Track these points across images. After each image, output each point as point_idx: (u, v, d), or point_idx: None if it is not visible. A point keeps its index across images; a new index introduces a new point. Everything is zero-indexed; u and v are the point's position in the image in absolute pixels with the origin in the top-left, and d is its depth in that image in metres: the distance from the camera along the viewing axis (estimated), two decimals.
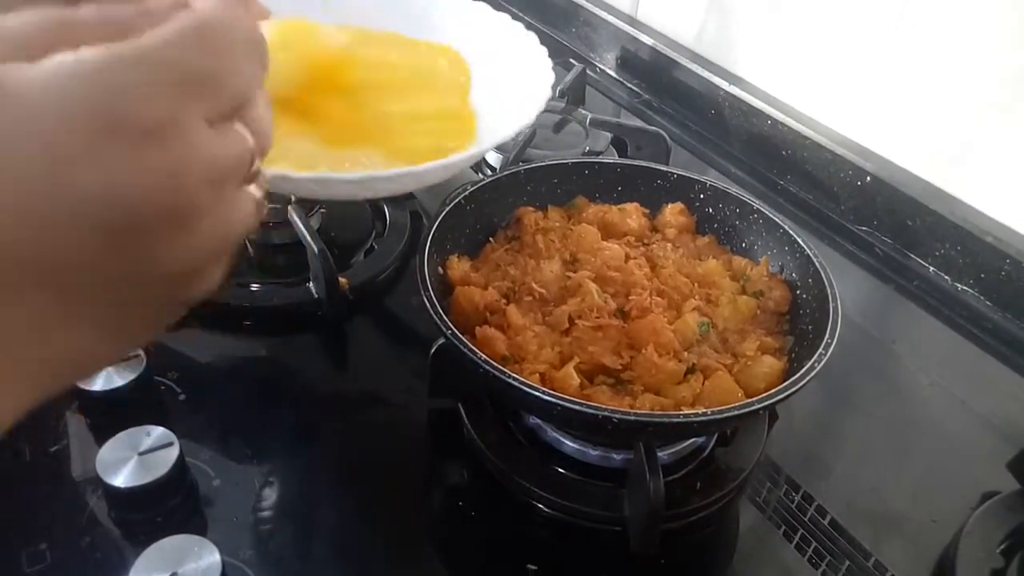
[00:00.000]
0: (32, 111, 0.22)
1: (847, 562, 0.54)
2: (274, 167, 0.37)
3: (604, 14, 1.13)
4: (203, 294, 0.27)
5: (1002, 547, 0.54)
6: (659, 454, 0.54)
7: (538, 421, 0.57)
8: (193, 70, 0.24)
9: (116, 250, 0.23)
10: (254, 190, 0.28)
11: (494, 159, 0.87)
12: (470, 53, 0.61)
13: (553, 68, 0.66)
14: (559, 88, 0.93)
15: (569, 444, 0.56)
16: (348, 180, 0.52)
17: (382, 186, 0.55)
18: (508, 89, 0.59)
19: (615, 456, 0.55)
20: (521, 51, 0.58)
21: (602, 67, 1.16)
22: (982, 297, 0.77)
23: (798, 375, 0.49)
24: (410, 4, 0.62)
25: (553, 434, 0.56)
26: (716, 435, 0.58)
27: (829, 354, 0.51)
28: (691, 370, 0.53)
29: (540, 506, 0.54)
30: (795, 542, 0.55)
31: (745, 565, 0.56)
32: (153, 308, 0.27)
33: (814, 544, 0.55)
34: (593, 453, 0.56)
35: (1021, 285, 0.74)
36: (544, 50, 0.58)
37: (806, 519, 0.57)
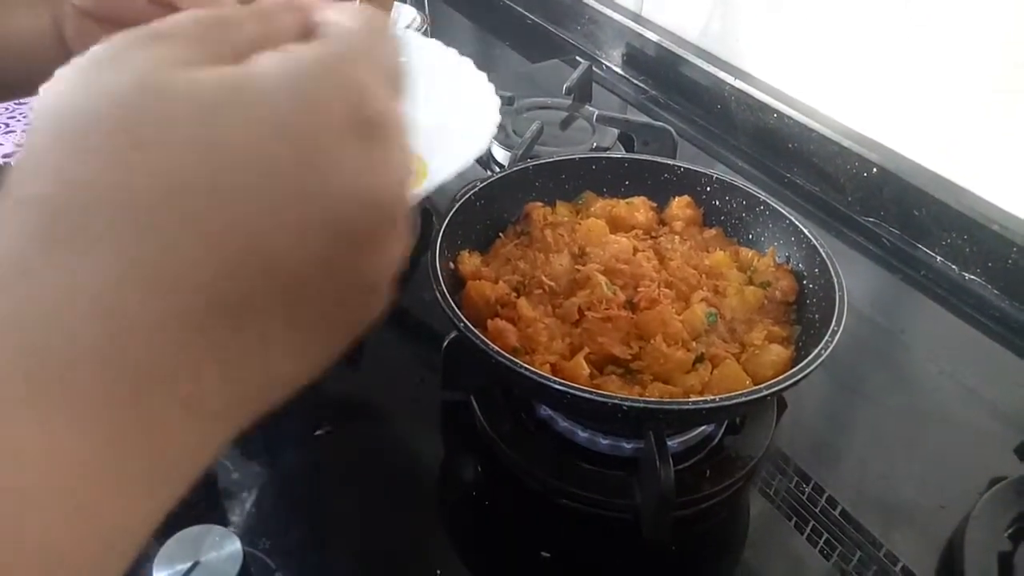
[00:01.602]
0: (272, 106, 0.21)
1: (858, 552, 0.54)
2: None
3: (609, 11, 1.14)
4: (375, 316, 0.25)
5: (1010, 531, 0.54)
6: (669, 442, 0.54)
7: (550, 411, 0.58)
8: (391, 63, 0.24)
9: (339, 260, 0.22)
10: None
11: (502, 156, 0.88)
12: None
13: (496, 93, 0.59)
14: (566, 86, 0.94)
15: (580, 434, 0.57)
16: None
17: None
18: (452, 124, 0.54)
19: (626, 445, 0.56)
20: (460, 80, 0.53)
21: (608, 64, 1.17)
22: (989, 286, 0.77)
23: (805, 362, 0.50)
24: None
25: (564, 424, 0.57)
26: (725, 423, 0.59)
27: (836, 341, 0.51)
28: (699, 359, 0.54)
29: (552, 495, 0.55)
30: (807, 533, 0.56)
31: (756, 553, 0.56)
32: (340, 332, 0.25)
33: (825, 535, 0.56)
34: (604, 442, 0.56)
35: None
36: (483, 76, 0.53)
37: (817, 510, 0.57)
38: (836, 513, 0.57)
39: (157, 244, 0.20)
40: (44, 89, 0.22)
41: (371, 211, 0.22)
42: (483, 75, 0.49)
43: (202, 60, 0.22)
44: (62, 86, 0.22)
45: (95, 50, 0.23)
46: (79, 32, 0.49)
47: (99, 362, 0.19)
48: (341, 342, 0.25)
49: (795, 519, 0.57)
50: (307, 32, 0.25)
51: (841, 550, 0.55)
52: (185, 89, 0.21)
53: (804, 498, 0.58)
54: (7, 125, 0.92)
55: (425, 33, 1.13)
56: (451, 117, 0.47)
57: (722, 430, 0.59)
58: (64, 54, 0.50)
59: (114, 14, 0.48)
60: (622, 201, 0.67)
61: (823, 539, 0.55)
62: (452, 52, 0.50)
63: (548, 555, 0.53)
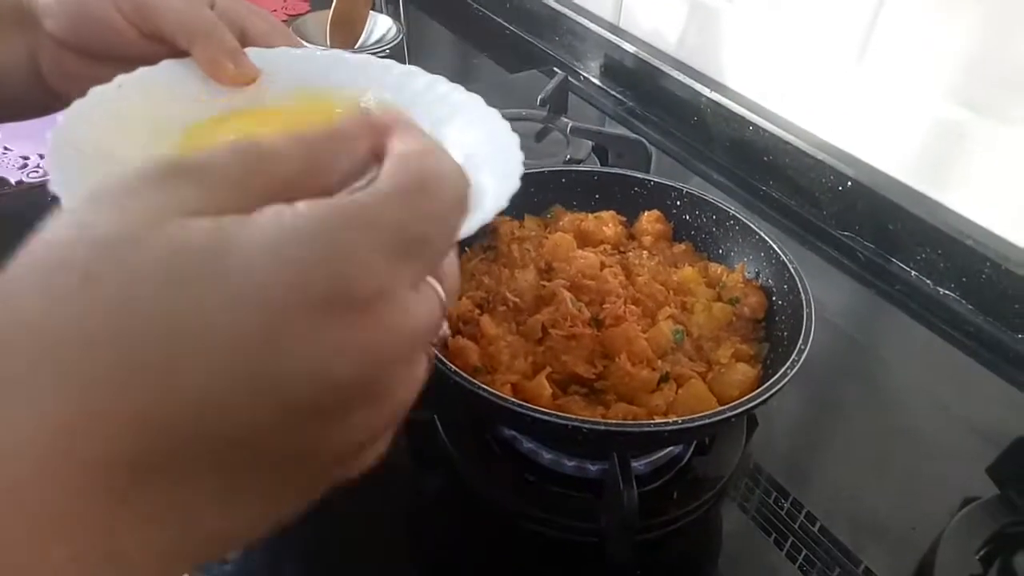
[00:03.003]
0: (253, 273, 0.20)
1: (837, 569, 0.54)
2: None
3: (587, 22, 1.14)
4: (366, 467, 0.25)
5: (980, 553, 0.53)
6: (635, 464, 0.53)
7: (514, 432, 0.57)
8: (413, 233, 0.22)
9: (297, 428, 0.21)
10: (431, 351, 0.25)
11: None
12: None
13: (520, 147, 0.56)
14: (540, 97, 0.93)
15: (545, 455, 0.56)
16: None
17: None
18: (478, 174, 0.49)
19: (591, 467, 0.55)
20: (490, 132, 0.49)
21: (586, 75, 1.16)
22: (963, 301, 0.77)
23: (771, 382, 0.49)
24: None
25: (529, 445, 0.56)
26: (693, 444, 0.58)
27: (802, 360, 0.50)
28: (664, 378, 0.53)
29: (517, 518, 0.54)
30: (786, 550, 0.55)
31: (731, 572, 0.55)
32: (311, 484, 0.24)
33: (804, 552, 0.55)
34: (569, 464, 0.55)
35: (1001, 288, 0.73)
36: (507, 125, 0.49)
37: (796, 526, 0.56)
38: (815, 529, 0.56)
39: (75, 395, 0.19)
40: (48, 223, 0.22)
41: (335, 391, 0.21)
42: (506, 124, 0.46)
43: (209, 208, 0.21)
44: (55, 228, 0.21)
45: (110, 185, 0.22)
46: (57, 65, 0.46)
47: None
48: (300, 503, 0.24)
49: (774, 535, 0.56)
50: (374, 159, 0.24)
51: (820, 567, 0.54)
52: (165, 246, 0.20)
53: (783, 514, 0.57)
54: None
55: (401, 43, 1.12)
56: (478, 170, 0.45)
57: (690, 450, 0.58)
58: (38, 86, 0.47)
59: (97, 48, 0.45)
60: (591, 215, 0.66)
61: (802, 555, 0.54)
62: (479, 99, 0.48)
63: None
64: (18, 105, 0.51)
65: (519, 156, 0.40)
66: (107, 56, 0.45)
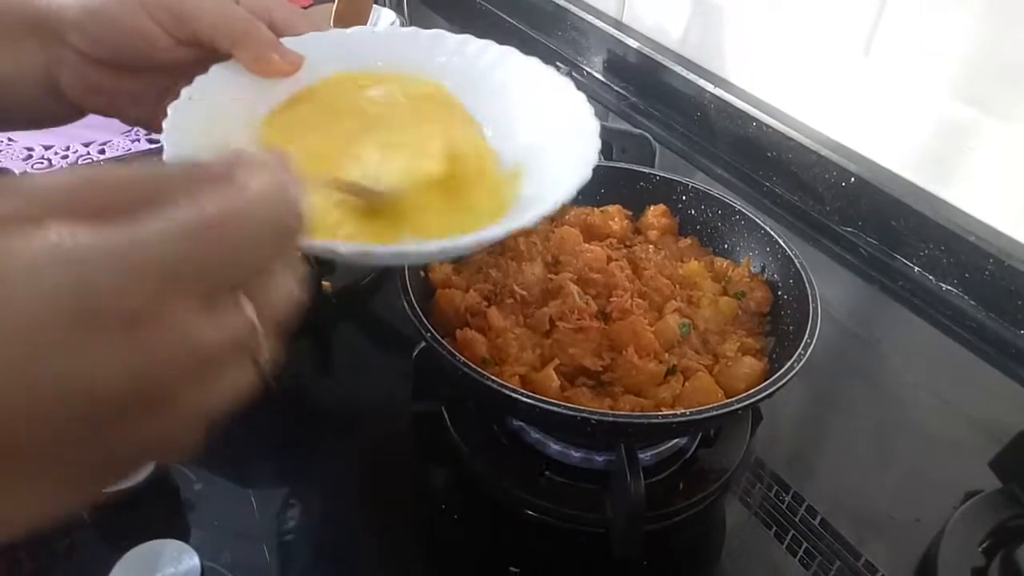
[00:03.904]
0: (15, 293, 0.21)
1: (837, 562, 0.54)
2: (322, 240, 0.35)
3: (591, 18, 1.14)
4: (176, 460, 0.27)
5: (983, 546, 0.54)
6: (641, 456, 0.54)
7: (521, 423, 0.57)
8: (187, 266, 0.23)
9: (85, 433, 0.23)
10: (252, 363, 0.27)
11: None
12: (510, 118, 0.49)
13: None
14: None
15: (552, 446, 0.56)
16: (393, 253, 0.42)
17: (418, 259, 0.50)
18: (552, 151, 0.46)
19: (597, 458, 0.55)
20: (563, 105, 0.48)
21: (589, 70, 1.16)
22: (966, 296, 0.77)
23: (777, 375, 0.49)
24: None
25: (536, 436, 0.56)
26: (699, 436, 0.58)
27: (808, 354, 0.51)
28: (671, 371, 0.53)
29: (523, 508, 0.54)
30: (786, 543, 0.55)
31: (734, 565, 0.56)
32: (115, 471, 0.26)
33: (805, 545, 0.55)
34: (576, 455, 0.56)
35: (1004, 284, 0.74)
36: (585, 102, 0.48)
37: (797, 519, 0.57)
38: (816, 522, 0.56)
39: None
40: None
41: (103, 397, 0.22)
42: (585, 102, 0.45)
43: (18, 222, 0.22)
44: None
45: None
46: (79, 78, 0.46)
47: None
48: (80, 499, 0.26)
49: (775, 528, 0.56)
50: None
51: (821, 560, 0.54)
52: None
53: (784, 507, 0.57)
54: None
55: None
56: (551, 140, 0.45)
57: (696, 443, 0.58)
58: (55, 99, 0.47)
59: (128, 59, 0.45)
60: (597, 209, 0.66)
61: (803, 548, 0.55)
62: (551, 71, 0.48)
63: (517, 570, 0.52)
64: (34, 116, 0.50)
65: (593, 149, 0.40)
66: (136, 67, 0.45)
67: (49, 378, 0.22)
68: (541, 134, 0.46)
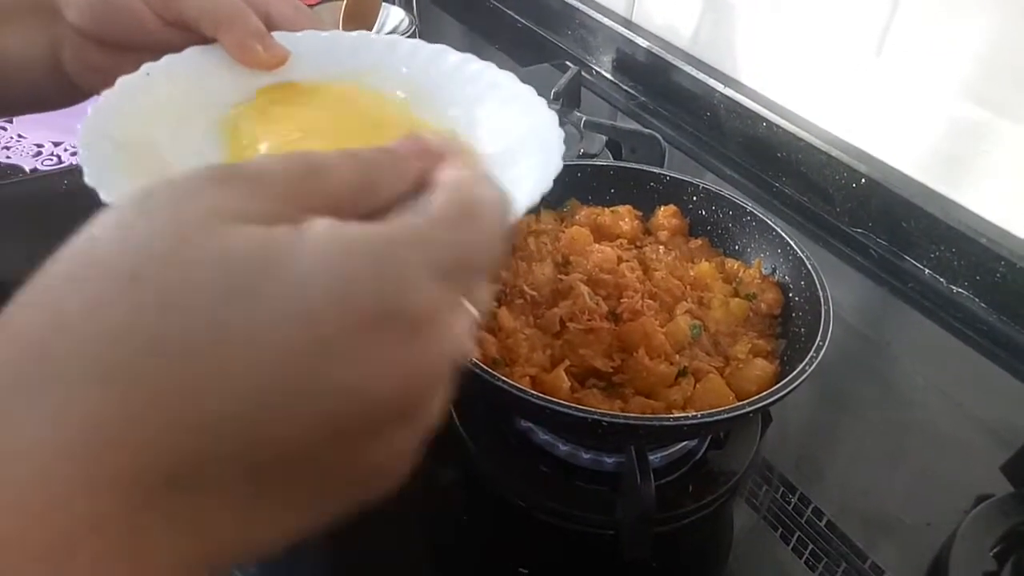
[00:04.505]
0: (303, 288, 0.20)
1: (844, 564, 0.54)
2: None
3: (600, 16, 1.13)
4: (400, 479, 0.25)
5: (995, 550, 0.53)
6: (651, 457, 0.53)
7: (530, 424, 0.57)
8: (460, 257, 0.22)
9: (333, 444, 0.21)
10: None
11: None
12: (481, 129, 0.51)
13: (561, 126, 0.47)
14: (553, 91, 0.93)
15: (561, 447, 0.56)
16: None
17: None
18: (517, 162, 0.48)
19: (607, 460, 0.55)
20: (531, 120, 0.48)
21: (598, 70, 1.16)
22: (977, 299, 0.77)
23: (789, 378, 0.49)
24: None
25: (545, 437, 0.56)
26: (708, 438, 0.58)
27: (820, 357, 0.50)
28: (682, 373, 0.53)
29: (532, 510, 0.54)
30: (792, 544, 0.55)
31: (741, 566, 0.56)
32: (337, 499, 0.24)
33: (811, 546, 0.55)
34: (585, 456, 0.55)
35: (1015, 287, 0.73)
36: (555, 120, 0.48)
37: (803, 521, 0.56)
38: (822, 524, 0.56)
39: (116, 397, 0.19)
40: (87, 228, 0.21)
41: (375, 409, 0.21)
42: (550, 114, 0.45)
43: (260, 216, 0.21)
44: (100, 227, 0.21)
45: (158, 187, 0.22)
46: (78, 57, 0.46)
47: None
48: (323, 517, 0.24)
49: (781, 530, 0.56)
50: (420, 187, 0.24)
51: (827, 562, 0.54)
52: (216, 250, 0.20)
53: (791, 508, 0.57)
54: None
55: (413, 35, 1.12)
56: (514, 154, 0.45)
57: (705, 445, 0.58)
58: (58, 79, 0.47)
59: (120, 38, 0.45)
60: (607, 209, 0.66)
61: (808, 550, 0.55)
62: (527, 88, 0.48)
63: (526, 572, 0.52)
64: (38, 97, 0.50)
65: (558, 154, 0.40)
66: (129, 46, 0.45)
67: (321, 378, 0.20)
68: (505, 147, 0.45)
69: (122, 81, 0.39)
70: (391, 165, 0.24)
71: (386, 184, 0.24)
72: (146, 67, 0.41)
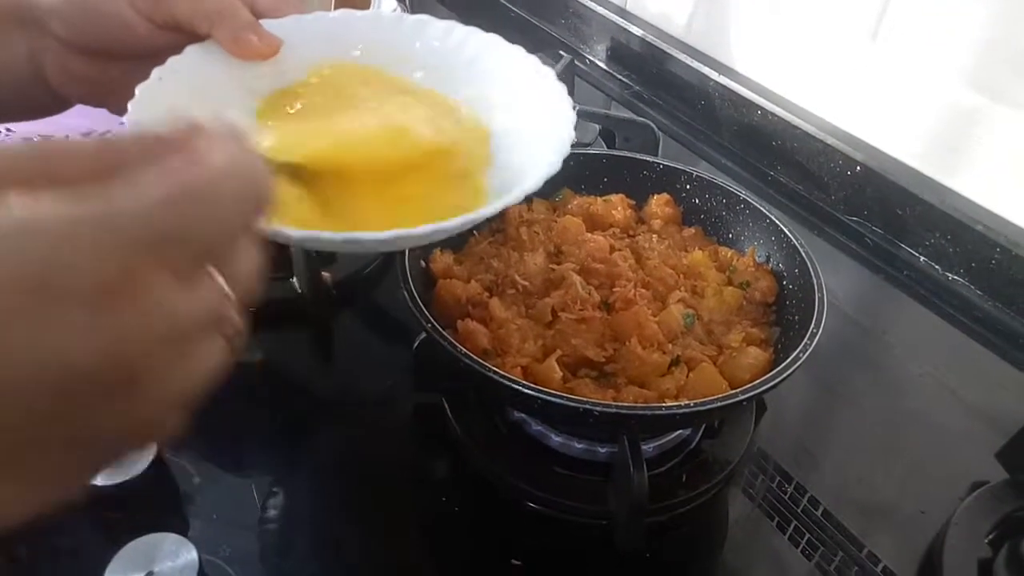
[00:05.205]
0: None
1: (840, 553, 0.54)
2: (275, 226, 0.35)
3: (594, 5, 1.13)
4: (155, 443, 0.26)
5: (990, 537, 0.53)
6: (644, 447, 0.53)
7: (522, 415, 0.57)
8: (161, 234, 0.22)
9: (59, 410, 0.22)
10: (224, 338, 0.26)
11: None
12: (489, 105, 0.50)
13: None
14: None
15: (554, 438, 0.55)
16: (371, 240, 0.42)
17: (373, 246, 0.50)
18: (526, 140, 0.48)
19: (600, 450, 0.55)
20: (540, 94, 0.49)
21: (592, 59, 1.15)
22: (972, 286, 0.76)
23: (782, 366, 0.49)
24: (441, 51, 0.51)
25: (538, 428, 0.56)
26: (702, 427, 0.58)
27: (814, 345, 0.50)
28: (675, 362, 0.52)
29: (525, 500, 0.54)
30: (788, 533, 0.55)
31: (736, 556, 0.55)
32: (96, 458, 0.25)
33: (807, 535, 0.55)
34: (578, 447, 0.55)
35: (1011, 274, 0.73)
36: (563, 89, 0.49)
37: (799, 510, 0.56)
38: (818, 513, 0.56)
39: None
40: None
41: (76, 374, 0.21)
42: (563, 88, 0.46)
43: None
44: None
45: None
46: (61, 67, 0.46)
47: None
48: (99, 465, 0.25)
49: (776, 519, 0.56)
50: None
51: (823, 550, 0.54)
52: None
53: (786, 498, 0.57)
54: None
55: None
56: (525, 128, 0.45)
57: (700, 434, 0.58)
58: (41, 90, 0.47)
59: (108, 45, 0.44)
60: (600, 198, 0.66)
61: (804, 539, 0.54)
62: (534, 59, 0.49)
63: (519, 563, 0.52)
64: (18, 106, 0.50)
65: (567, 135, 0.40)
66: (116, 54, 0.45)
67: (14, 346, 0.20)
68: (515, 121, 0.46)
69: (143, 87, 0.40)
70: (139, 151, 0.24)
71: (131, 169, 0.24)
72: (157, 72, 0.41)
